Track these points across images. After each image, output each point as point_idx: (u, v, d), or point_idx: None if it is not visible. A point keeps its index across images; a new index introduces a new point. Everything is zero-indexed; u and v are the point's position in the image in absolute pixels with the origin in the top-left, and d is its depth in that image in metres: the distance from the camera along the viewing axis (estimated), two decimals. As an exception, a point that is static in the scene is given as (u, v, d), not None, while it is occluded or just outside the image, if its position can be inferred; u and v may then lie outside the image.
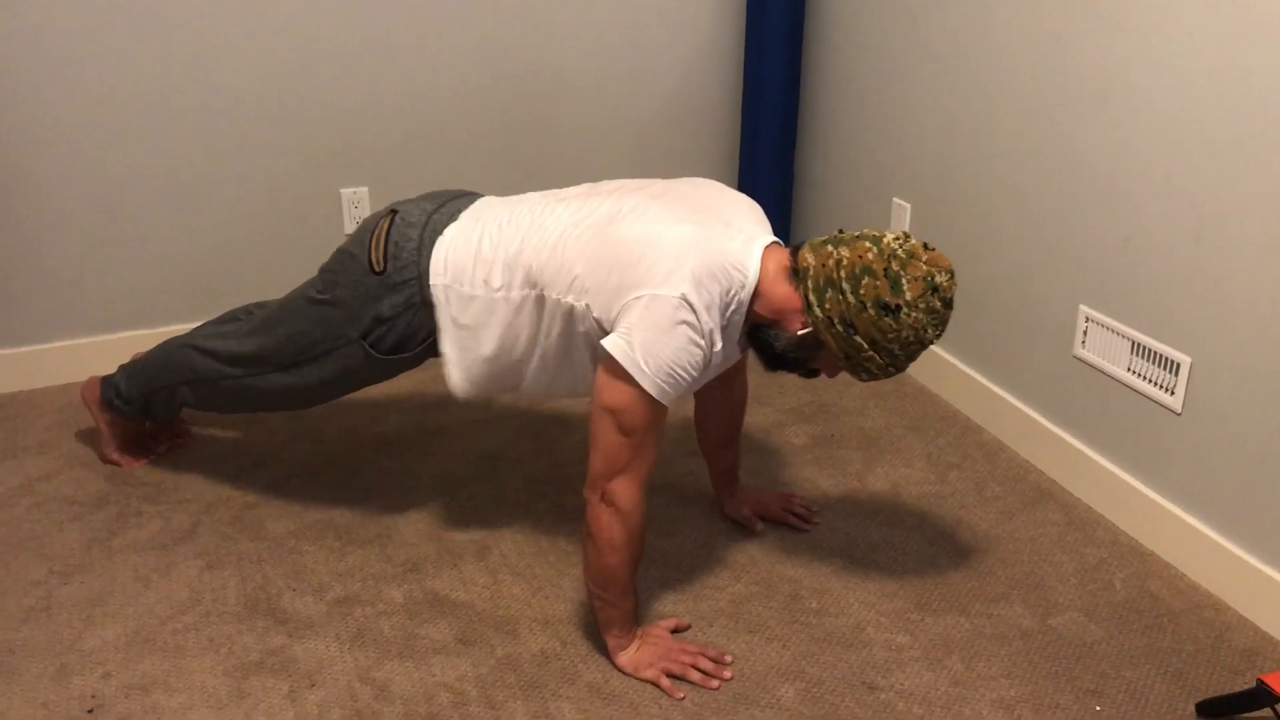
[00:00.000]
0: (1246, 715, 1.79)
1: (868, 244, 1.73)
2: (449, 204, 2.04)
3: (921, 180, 2.77)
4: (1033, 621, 2.03)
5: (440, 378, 2.57)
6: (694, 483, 2.42)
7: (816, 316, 1.74)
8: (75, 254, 2.72)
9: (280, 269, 2.90)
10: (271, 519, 2.29)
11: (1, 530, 2.24)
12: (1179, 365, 2.12)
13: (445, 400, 2.71)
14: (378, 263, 1.99)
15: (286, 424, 2.63)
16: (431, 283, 1.95)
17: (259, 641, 1.95)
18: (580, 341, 1.87)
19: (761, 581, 2.12)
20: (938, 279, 1.71)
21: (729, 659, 1.92)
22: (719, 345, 1.75)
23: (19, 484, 2.39)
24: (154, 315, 2.84)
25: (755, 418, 2.68)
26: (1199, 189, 2.02)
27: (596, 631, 1.94)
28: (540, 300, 1.87)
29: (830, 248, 1.76)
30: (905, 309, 1.70)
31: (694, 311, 1.69)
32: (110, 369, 2.62)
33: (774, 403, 2.76)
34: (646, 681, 1.87)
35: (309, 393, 2.16)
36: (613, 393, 1.72)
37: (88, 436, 2.54)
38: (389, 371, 2.10)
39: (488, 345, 1.95)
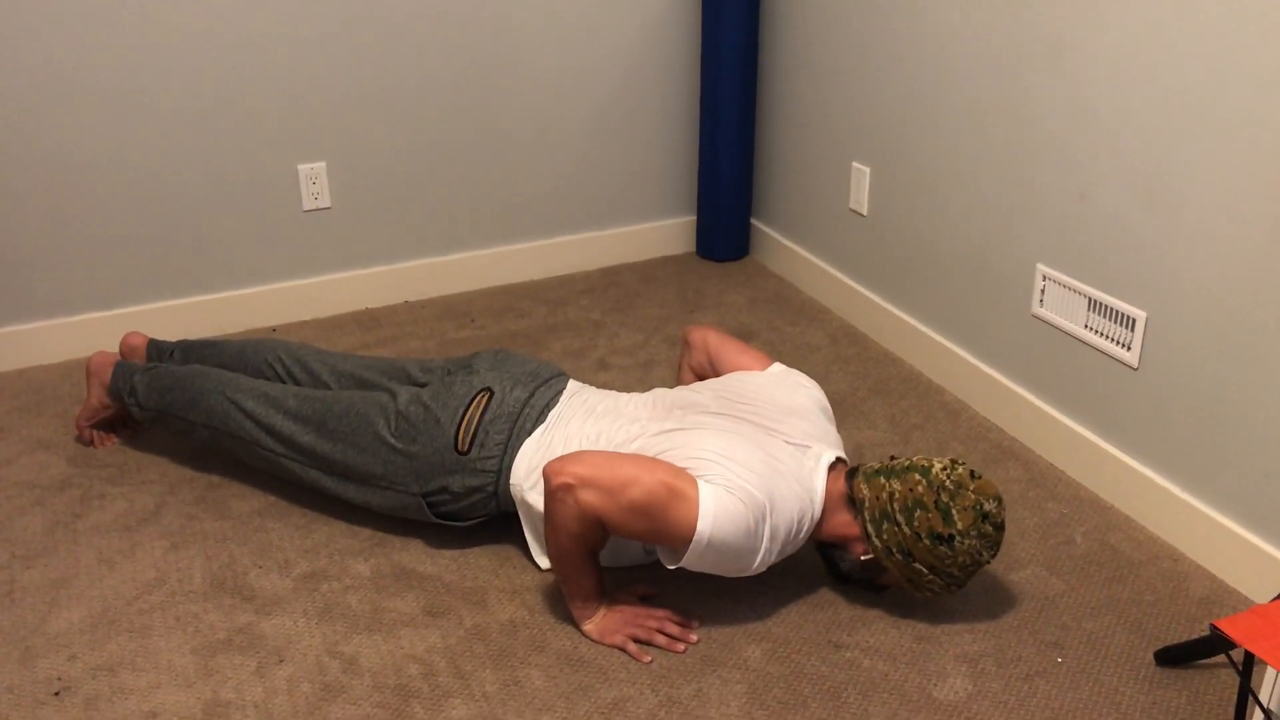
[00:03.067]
0: (1203, 661, 1.83)
1: (918, 475, 1.84)
2: (540, 391, 2.09)
3: (880, 143, 2.77)
4: (995, 576, 2.05)
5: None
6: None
7: (876, 546, 1.85)
8: (30, 236, 2.68)
9: (239, 246, 2.88)
10: (236, 498, 2.28)
11: (-38, 516, 2.22)
12: (1135, 321, 2.14)
13: (409, 375, 2.70)
14: (463, 443, 2.02)
15: (250, 403, 2.62)
16: (512, 483, 2.01)
17: (226, 619, 1.95)
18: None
19: (727, 545, 2.14)
20: (986, 506, 1.82)
21: (695, 624, 1.95)
22: (757, 561, 1.83)
23: (-21, 470, 2.37)
24: (112, 297, 2.81)
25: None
26: (1152, 146, 2.04)
27: (565, 601, 1.95)
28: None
29: (883, 479, 1.86)
30: (959, 538, 1.81)
31: (765, 524, 1.79)
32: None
33: (738, 369, 2.77)
34: (614, 647, 1.89)
35: (343, 497, 2.14)
36: (678, 498, 1.76)
37: (59, 414, 2.51)
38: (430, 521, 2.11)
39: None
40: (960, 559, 1.82)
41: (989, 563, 1.88)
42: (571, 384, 2.16)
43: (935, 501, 1.81)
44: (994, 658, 1.87)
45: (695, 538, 1.76)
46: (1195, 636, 1.86)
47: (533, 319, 3.04)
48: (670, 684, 1.81)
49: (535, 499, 1.98)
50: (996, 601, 1.99)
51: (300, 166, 2.89)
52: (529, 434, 2.04)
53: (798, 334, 2.94)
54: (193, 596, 2.01)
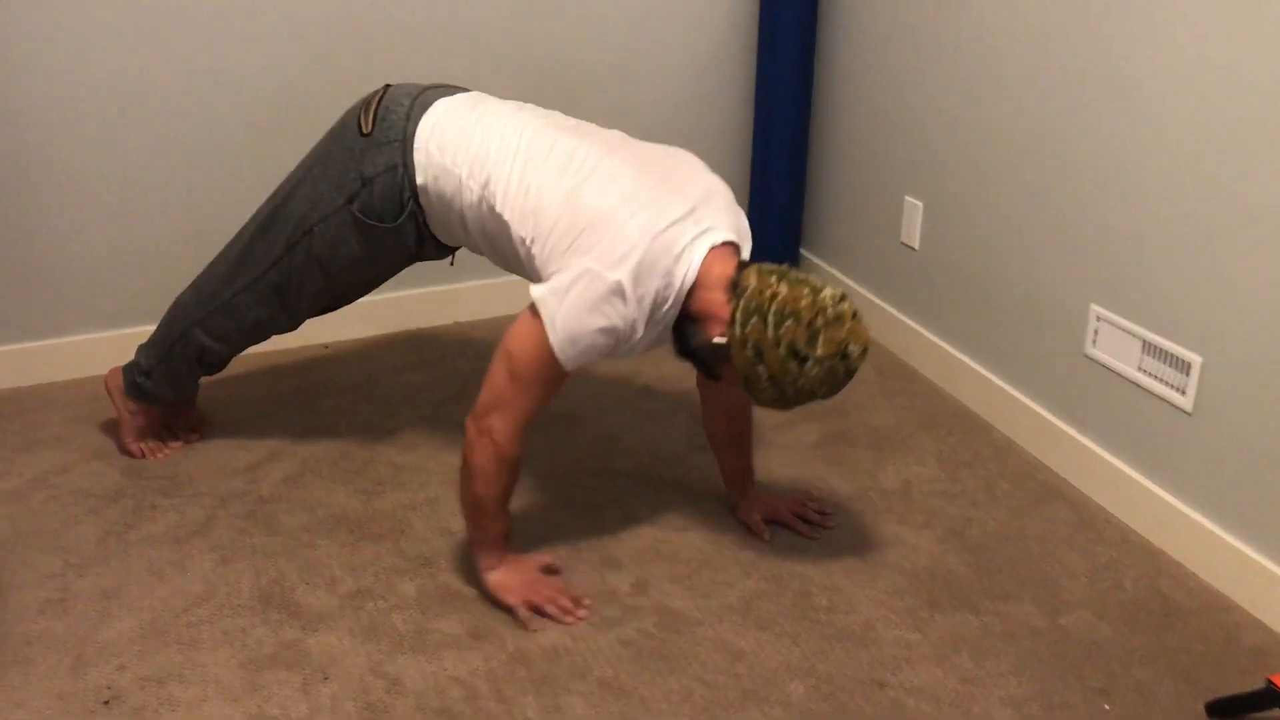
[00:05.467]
0: (1256, 715, 1.80)
1: (807, 291, 1.81)
2: (443, 87, 2.15)
3: (933, 178, 2.77)
4: (1042, 620, 2.03)
5: (454, 374, 2.55)
6: (700, 478, 2.43)
7: (734, 334, 1.82)
8: (91, 248, 2.73)
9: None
10: (285, 513, 2.31)
11: (18, 523, 2.26)
12: (1190, 365, 2.12)
13: (460, 396, 2.72)
14: (365, 125, 2.09)
15: (301, 418, 2.65)
16: (415, 146, 2.04)
17: (273, 634, 1.97)
18: (510, 246, 1.99)
19: (771, 578, 2.13)
20: (851, 347, 1.81)
21: (588, 602, 2.03)
22: (639, 334, 1.86)
23: (35, 477, 2.41)
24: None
25: (766, 414, 2.69)
26: (1210, 187, 2.02)
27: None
28: (493, 209, 1.97)
29: (774, 279, 1.83)
30: (811, 362, 1.79)
31: (624, 300, 1.80)
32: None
33: (785, 400, 2.76)
34: (507, 608, 2.00)
35: (313, 282, 2.21)
36: (519, 336, 1.87)
37: (108, 428, 2.56)
38: (380, 253, 2.15)
39: (451, 215, 2.06)
40: (801, 381, 1.81)
41: (822, 398, 1.86)
42: (489, 96, 2.16)
43: (810, 321, 1.78)
44: (1040, 702, 1.85)
45: (558, 354, 1.84)
46: (1248, 690, 1.83)
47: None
48: (711, 716, 1.81)
49: (438, 159, 2.01)
50: (1043, 645, 1.97)
51: (356, 186, 2.92)
52: (431, 105, 2.08)
53: (845, 366, 2.93)
54: (240, 611, 2.03)
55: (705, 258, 1.87)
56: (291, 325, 2.37)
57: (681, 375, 2.88)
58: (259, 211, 2.27)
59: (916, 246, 2.87)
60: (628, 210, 1.84)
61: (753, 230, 3.28)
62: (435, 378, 2.83)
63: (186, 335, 2.35)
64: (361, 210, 2.09)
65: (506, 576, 2.02)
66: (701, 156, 3.22)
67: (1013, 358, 2.60)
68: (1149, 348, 2.21)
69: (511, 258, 2.02)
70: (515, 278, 3.06)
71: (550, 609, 2.00)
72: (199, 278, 2.36)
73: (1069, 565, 2.18)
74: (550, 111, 2.13)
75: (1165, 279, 2.15)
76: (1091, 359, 2.36)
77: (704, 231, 1.88)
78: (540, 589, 2.02)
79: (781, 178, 3.21)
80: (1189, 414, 2.14)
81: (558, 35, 2.98)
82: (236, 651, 1.93)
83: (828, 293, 1.82)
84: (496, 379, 1.90)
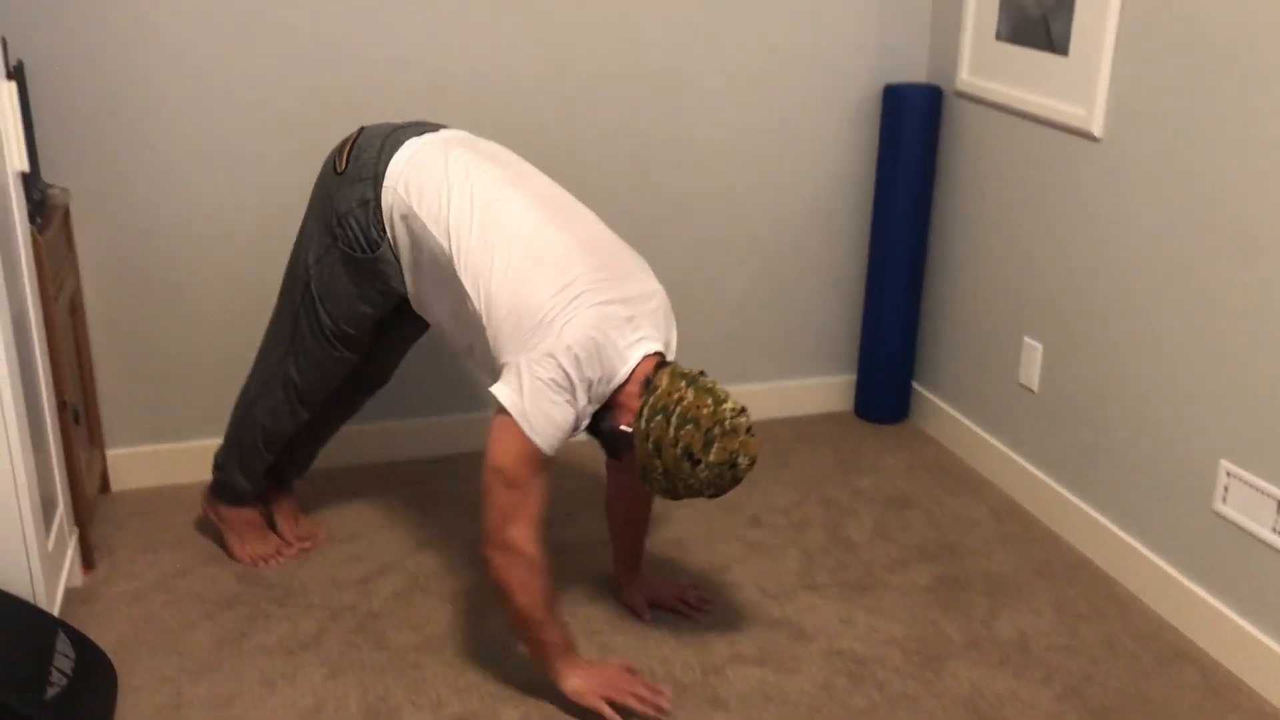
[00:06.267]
0: None
1: (710, 400, 1.96)
2: (416, 126, 2.24)
3: (1054, 320, 2.74)
4: (1171, 794, 1.94)
5: (561, 494, 2.55)
6: (812, 618, 2.39)
7: (639, 427, 1.98)
8: (222, 351, 2.83)
9: (411, 377, 2.98)
10: (394, 629, 2.32)
11: (139, 626, 2.31)
12: (1331, 531, 2.03)
13: (567, 518, 2.72)
14: (340, 165, 2.20)
15: (413, 532, 2.68)
16: (385, 185, 2.13)
17: (379, 756, 1.97)
18: (465, 311, 2.07)
19: (883, 729, 2.08)
20: (740, 460, 1.96)
21: (665, 689, 2.10)
22: (588, 416, 2.02)
23: (156, 579, 2.47)
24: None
25: (878, 553, 2.65)
26: (1355, 351, 1.97)
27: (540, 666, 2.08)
28: (453, 268, 2.05)
29: (683, 384, 1.98)
30: (703, 465, 1.94)
31: (572, 384, 1.95)
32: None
33: (896, 538, 2.72)
34: (590, 708, 2.03)
35: (334, 321, 2.27)
36: (501, 447, 1.97)
37: (220, 537, 2.62)
38: (370, 287, 2.21)
39: (421, 256, 2.14)
40: (691, 480, 1.96)
41: (709, 498, 2.02)
42: (463, 137, 2.25)
43: (708, 429, 1.93)
44: None
45: (541, 446, 1.96)
46: None
47: (688, 468, 3.04)
48: None
49: (403, 199, 2.10)
50: (1173, 822, 1.87)
51: (478, 305, 3.00)
52: (402, 143, 2.16)
53: (958, 506, 2.88)
54: (348, 729, 2.04)
55: (638, 362, 2.02)
56: (318, 386, 2.39)
57: (791, 505, 2.85)
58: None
59: (1035, 388, 2.82)
60: (577, 306, 1.97)
61: (863, 361, 3.32)
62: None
63: (247, 417, 2.44)
64: (344, 244, 2.19)
65: (584, 681, 2.07)
66: (815, 287, 3.29)
67: (1136, 509, 2.52)
68: (1285, 509, 2.13)
69: (465, 321, 2.09)
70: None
71: (631, 702, 2.05)
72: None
73: (1198, 735, 2.08)
74: (519, 168, 2.21)
75: (1304, 440, 2.08)
76: (1221, 516, 2.28)
77: (641, 339, 2.03)
78: (618, 683, 2.07)
79: (895, 309, 3.21)
80: (1329, 582, 2.05)
81: (677, 165, 3.05)
82: (343, 771, 1.93)
83: (729, 405, 1.96)
84: (496, 496, 1.99)
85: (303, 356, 2.33)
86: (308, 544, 2.61)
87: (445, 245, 2.05)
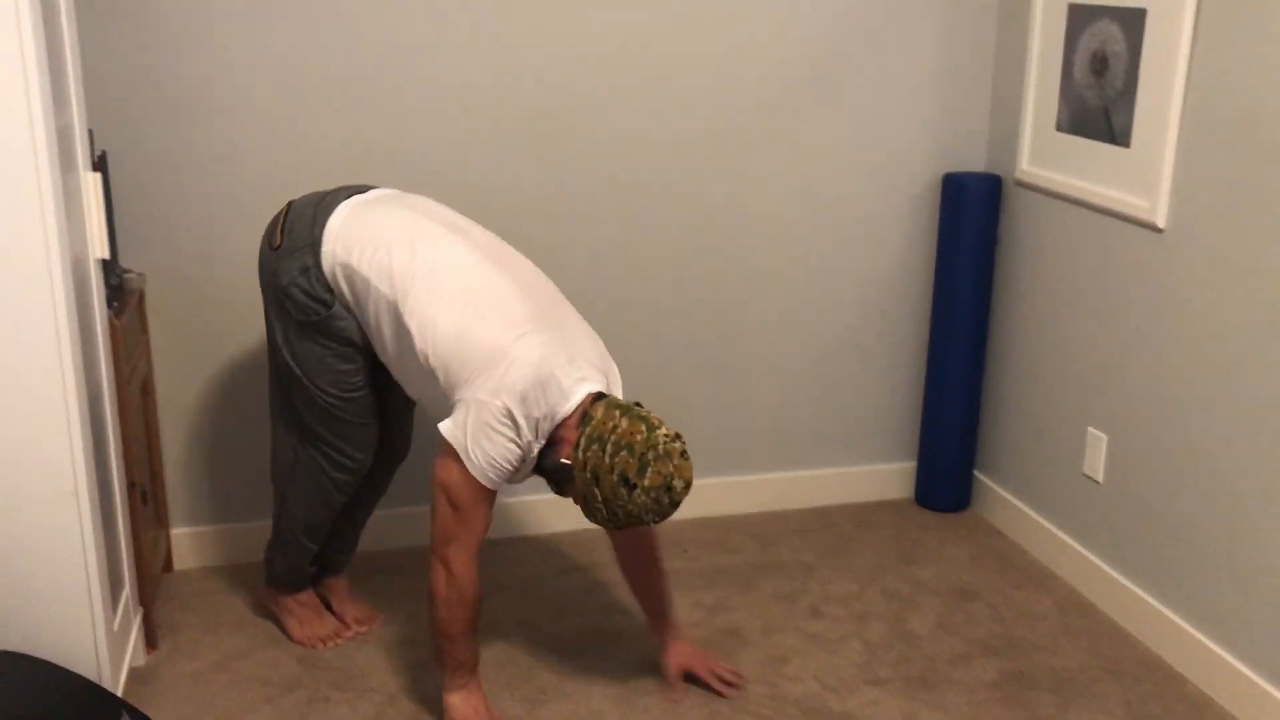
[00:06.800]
0: None
1: (643, 427, 2.03)
2: (345, 190, 2.32)
3: (1120, 410, 2.70)
4: None
5: (619, 581, 2.52)
6: (874, 713, 2.33)
7: (577, 458, 2.05)
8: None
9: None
10: (451, 716, 2.31)
11: (200, 707, 2.32)
12: None
13: (626, 605, 2.70)
14: (276, 240, 2.27)
15: (469, 617, 2.67)
16: (323, 250, 2.21)
17: None
18: (415, 360, 2.15)
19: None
20: (675, 483, 2.04)
21: None
22: (534, 451, 2.10)
23: (218, 660, 2.49)
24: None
25: (941, 647, 2.60)
26: None
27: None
28: (400, 319, 2.14)
29: (618, 414, 2.05)
30: (639, 490, 2.01)
31: (515, 421, 2.04)
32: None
33: (960, 632, 2.67)
34: None
35: (326, 393, 2.30)
36: (446, 470, 2.09)
37: (278, 621, 2.63)
38: (337, 345, 2.26)
39: (366, 314, 2.21)
40: (630, 506, 2.02)
41: (650, 524, 2.09)
42: (392, 195, 2.35)
43: (642, 455, 2.00)
44: None
45: (479, 479, 2.07)
46: None
47: (743, 555, 3.02)
48: None
49: (344, 258, 2.18)
50: None
51: (538, 389, 3.02)
52: (336, 206, 2.25)
53: (1023, 599, 2.82)
54: (405, 819, 2.02)
55: (580, 399, 2.09)
56: (349, 462, 2.40)
57: (851, 596, 2.81)
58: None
59: (1100, 480, 2.78)
60: (522, 347, 2.06)
61: (924, 448, 3.29)
62: (599, 581, 2.84)
63: (283, 513, 2.48)
64: (299, 314, 2.25)
65: (464, 702, 2.21)
66: (875, 373, 3.28)
67: (1210, 607, 2.46)
68: (1367, 611, 2.07)
69: (415, 368, 2.16)
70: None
71: None
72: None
73: (1281, 847, 2.00)
74: (454, 220, 2.29)
75: (1385, 539, 2.03)
76: (1299, 616, 2.22)
77: (582, 379, 2.11)
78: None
79: (956, 396, 3.19)
80: None
81: (739, 252, 3.07)
82: None
83: (662, 431, 2.04)
84: (442, 513, 2.12)
85: (319, 441, 2.37)
86: (364, 628, 2.61)
87: (390, 295, 2.14)
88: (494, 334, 2.08)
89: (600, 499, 2.04)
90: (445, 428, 2.08)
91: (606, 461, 2.01)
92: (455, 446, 2.06)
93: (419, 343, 2.11)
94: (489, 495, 2.11)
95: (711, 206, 3.03)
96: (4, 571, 2.07)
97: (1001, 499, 3.18)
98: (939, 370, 3.20)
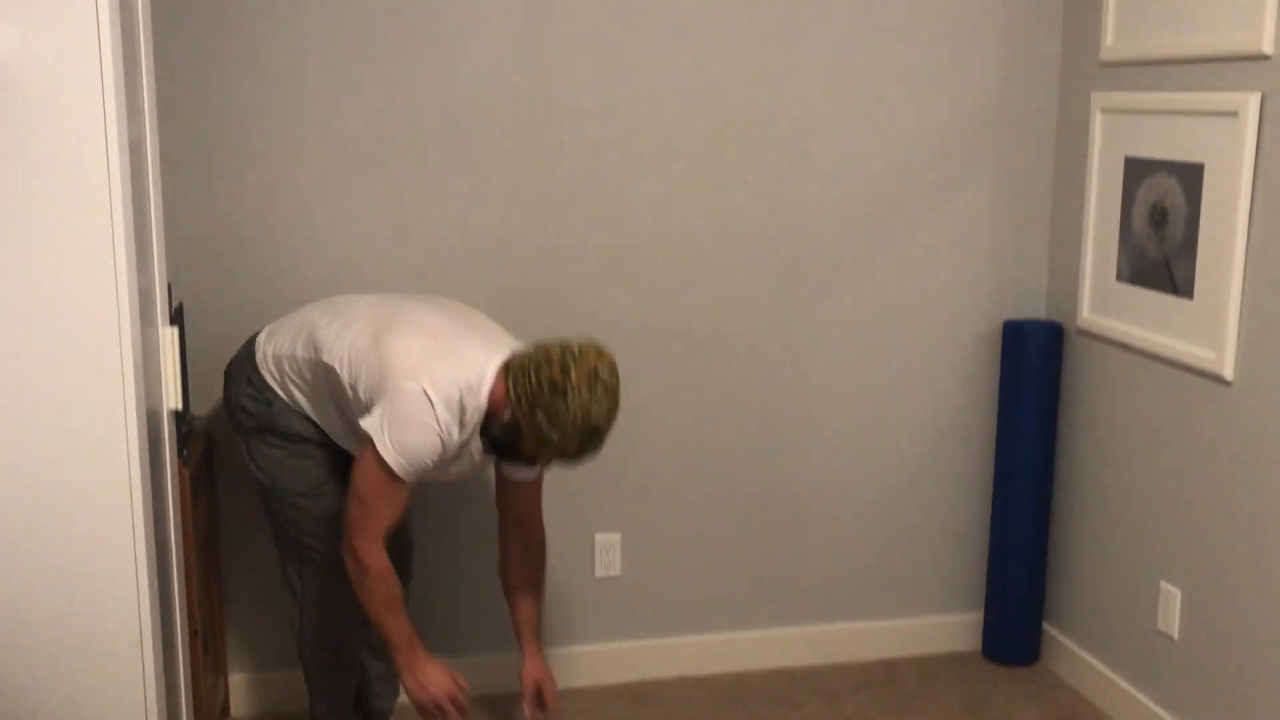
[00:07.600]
0: None
1: (556, 344, 2.16)
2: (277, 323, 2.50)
3: (1195, 564, 2.62)
4: None
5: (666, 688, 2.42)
6: None
7: (511, 398, 2.13)
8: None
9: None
10: None
11: None
12: None
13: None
14: (227, 388, 2.47)
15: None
16: (257, 360, 2.40)
17: None
18: (345, 397, 2.28)
19: None
20: (601, 371, 2.11)
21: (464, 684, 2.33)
22: (455, 436, 2.18)
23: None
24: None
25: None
26: None
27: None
28: (322, 361, 2.30)
29: (533, 350, 2.17)
30: (571, 391, 2.08)
31: (432, 404, 2.13)
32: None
33: None
34: (431, 701, 2.28)
35: (306, 499, 2.43)
36: (363, 471, 2.18)
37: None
38: (293, 442, 2.40)
39: (305, 388, 2.37)
40: (575, 412, 2.08)
41: (602, 426, 2.12)
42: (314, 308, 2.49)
43: (560, 360, 2.11)
44: None
45: (395, 468, 2.16)
46: None
47: (807, 710, 2.94)
48: None
49: (274, 352, 2.37)
50: None
51: (597, 536, 3.02)
52: (263, 328, 2.47)
53: (1098, 762, 2.71)
54: None
55: (498, 369, 2.18)
56: (340, 564, 2.40)
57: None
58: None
59: (1176, 636, 2.69)
60: (424, 338, 2.21)
61: (990, 599, 3.21)
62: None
63: (303, 648, 2.53)
64: (252, 424, 2.41)
65: (419, 676, 2.29)
66: (938, 521, 3.22)
67: (1297, 775, 2.34)
68: None
69: (348, 414, 2.27)
70: (740, 632, 2.98)
71: (451, 710, 2.30)
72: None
73: None
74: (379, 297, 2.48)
75: None
76: (1397, 790, 2.10)
77: (493, 352, 2.22)
78: (452, 690, 2.31)
79: (1022, 546, 3.12)
80: None
81: (799, 402, 3.08)
82: None
83: (574, 340, 2.17)
84: (350, 512, 2.22)
85: (307, 550, 2.44)
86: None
87: (311, 353, 2.31)
88: (407, 337, 2.21)
89: (546, 421, 2.10)
90: (365, 423, 2.17)
91: (533, 381, 2.10)
92: (375, 439, 2.15)
93: (346, 376, 2.23)
94: (401, 485, 2.19)
95: (775, 355, 3.05)
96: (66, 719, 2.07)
97: (1072, 653, 3.08)
98: (1003, 518, 3.15)
